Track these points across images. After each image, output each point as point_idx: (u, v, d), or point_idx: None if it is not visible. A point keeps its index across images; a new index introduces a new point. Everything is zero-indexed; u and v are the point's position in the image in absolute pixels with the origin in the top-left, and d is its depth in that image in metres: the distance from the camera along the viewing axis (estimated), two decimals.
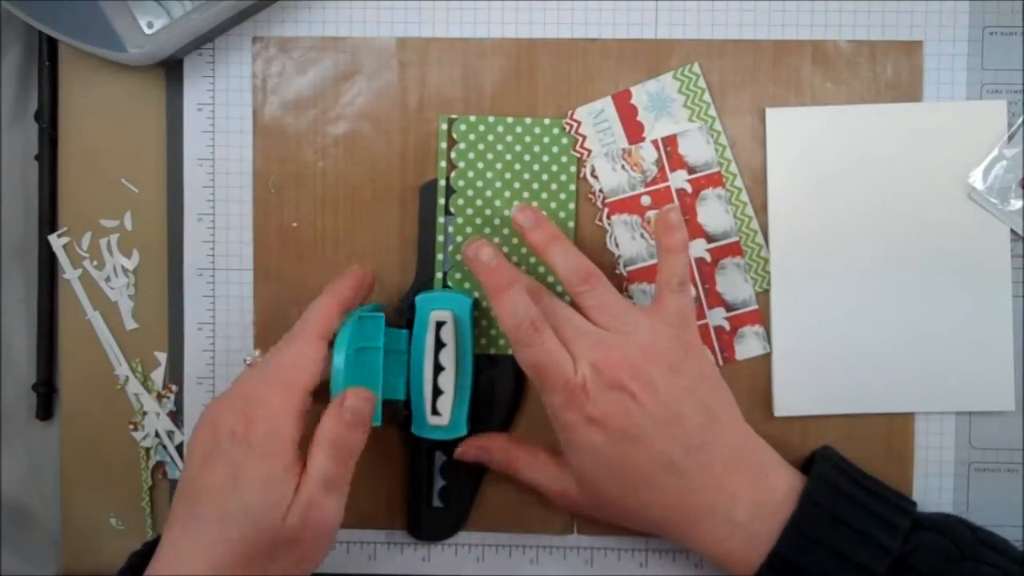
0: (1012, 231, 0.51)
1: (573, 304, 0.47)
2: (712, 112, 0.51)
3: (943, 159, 0.51)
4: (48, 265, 0.54)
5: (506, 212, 0.51)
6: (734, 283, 0.52)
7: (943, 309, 0.51)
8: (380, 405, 0.47)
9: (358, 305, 0.47)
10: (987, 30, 0.51)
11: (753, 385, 0.52)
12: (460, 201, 0.51)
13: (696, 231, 0.52)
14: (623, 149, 0.52)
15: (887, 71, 0.51)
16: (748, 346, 0.52)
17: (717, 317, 0.52)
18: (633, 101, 0.51)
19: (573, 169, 0.51)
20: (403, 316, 0.51)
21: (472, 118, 0.51)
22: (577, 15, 0.52)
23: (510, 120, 0.51)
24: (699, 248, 0.52)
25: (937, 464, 0.52)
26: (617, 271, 0.52)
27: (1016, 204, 0.50)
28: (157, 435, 0.53)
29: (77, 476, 0.54)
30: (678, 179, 0.51)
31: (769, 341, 0.52)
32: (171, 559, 0.41)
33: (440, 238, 0.51)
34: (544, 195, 0.51)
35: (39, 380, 0.54)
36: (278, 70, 0.52)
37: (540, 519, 0.52)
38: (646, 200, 0.52)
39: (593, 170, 0.52)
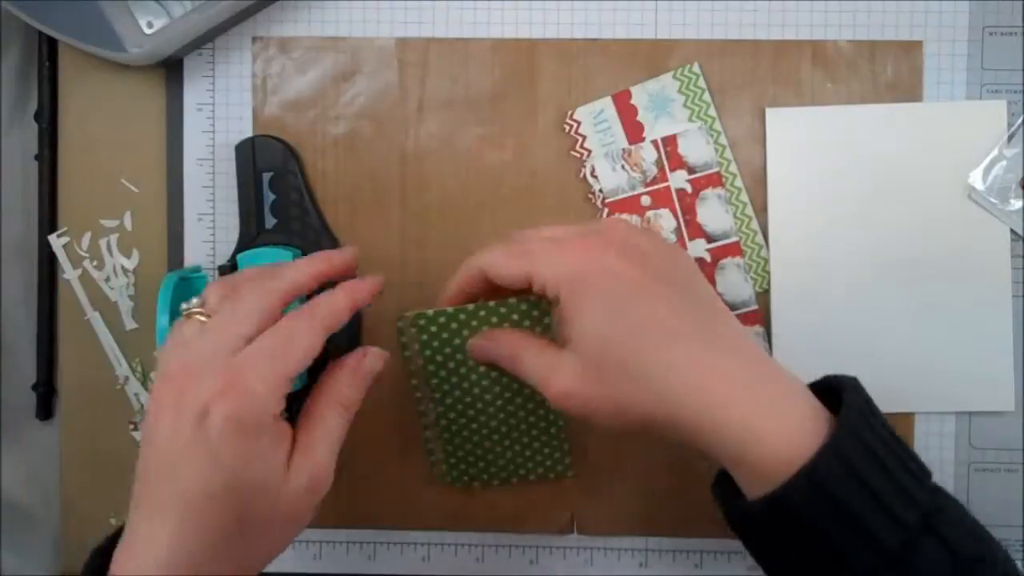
0: (1012, 231, 0.51)
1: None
2: (712, 112, 0.51)
3: (943, 159, 0.51)
4: (48, 265, 0.54)
5: (487, 396, 0.47)
6: (734, 283, 0.52)
7: (943, 309, 0.51)
8: None
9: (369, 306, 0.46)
10: (987, 30, 0.51)
11: None
12: (448, 402, 0.47)
13: (696, 231, 0.52)
14: (623, 149, 0.52)
15: (887, 71, 0.51)
16: None
17: None
18: (633, 101, 0.51)
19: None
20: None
21: (430, 312, 0.44)
22: (577, 15, 0.52)
23: (471, 307, 0.44)
24: (699, 248, 0.52)
25: (937, 464, 0.52)
26: None
27: (1016, 204, 0.50)
28: None
29: (77, 476, 0.54)
30: (678, 179, 0.51)
31: (769, 341, 0.52)
32: (144, 547, 0.38)
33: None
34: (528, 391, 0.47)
35: (39, 380, 0.54)
36: (278, 70, 0.52)
37: (540, 519, 0.52)
38: (646, 200, 0.52)
39: (593, 170, 0.52)
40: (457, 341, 0.45)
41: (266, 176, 0.51)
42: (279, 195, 0.51)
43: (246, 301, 0.40)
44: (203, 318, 0.40)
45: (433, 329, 0.45)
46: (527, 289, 0.41)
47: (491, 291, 0.43)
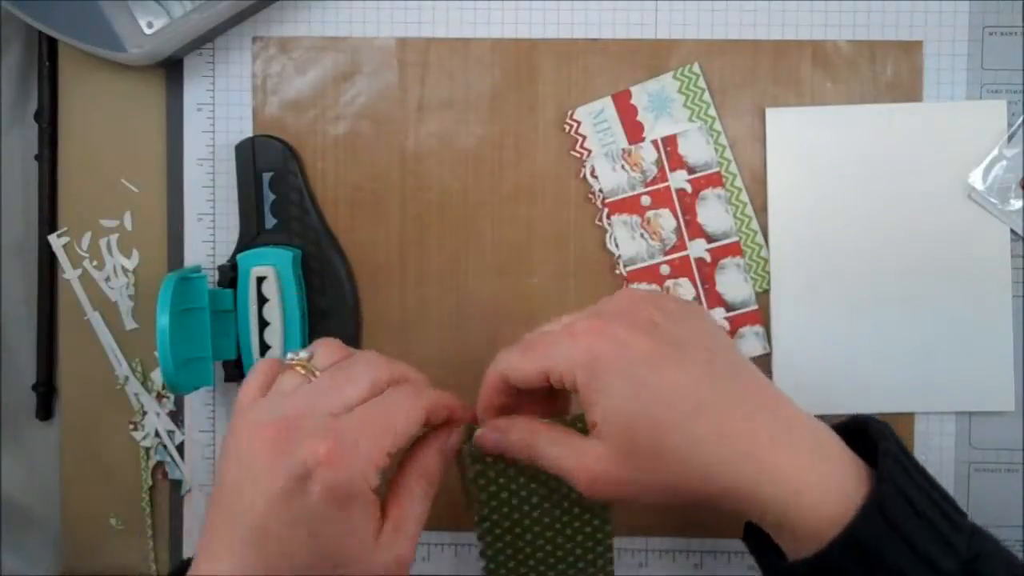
0: (1012, 231, 0.51)
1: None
2: (712, 112, 0.51)
3: (943, 159, 0.51)
4: (48, 265, 0.54)
5: (539, 542, 0.44)
6: (734, 283, 0.52)
7: (943, 309, 0.51)
8: (211, 365, 0.50)
9: (451, 425, 0.43)
10: (987, 30, 0.51)
11: None
12: (497, 546, 0.45)
13: (696, 231, 0.52)
14: (623, 149, 0.52)
15: (887, 71, 0.51)
16: (748, 346, 0.52)
17: (717, 317, 0.52)
18: (633, 101, 0.51)
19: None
20: (227, 276, 0.51)
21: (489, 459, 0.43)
22: (577, 15, 0.52)
23: (533, 485, 0.43)
24: (699, 248, 0.52)
25: (937, 464, 0.52)
26: (617, 271, 0.52)
27: (1016, 204, 0.50)
28: (157, 435, 0.53)
29: (77, 476, 0.54)
30: (678, 179, 0.51)
31: (769, 341, 0.52)
32: None
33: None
34: (576, 509, 0.44)
35: (39, 380, 0.54)
36: (278, 70, 0.52)
37: None
38: (646, 200, 0.52)
39: (593, 170, 0.52)
40: (511, 476, 0.43)
41: (266, 176, 0.51)
42: (279, 195, 0.51)
43: (357, 366, 0.39)
44: (303, 370, 0.40)
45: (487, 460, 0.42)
46: (554, 389, 0.40)
47: (518, 397, 0.41)
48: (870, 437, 0.38)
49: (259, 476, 0.36)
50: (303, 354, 0.40)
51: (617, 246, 0.52)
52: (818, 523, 0.35)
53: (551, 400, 0.42)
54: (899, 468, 0.36)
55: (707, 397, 0.36)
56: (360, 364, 0.40)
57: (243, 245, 0.51)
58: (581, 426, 0.39)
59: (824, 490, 0.35)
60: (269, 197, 0.51)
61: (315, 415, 0.37)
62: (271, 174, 0.51)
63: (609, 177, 0.52)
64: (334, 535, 0.37)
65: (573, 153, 0.52)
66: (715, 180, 0.51)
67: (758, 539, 0.39)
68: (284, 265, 0.50)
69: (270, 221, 0.51)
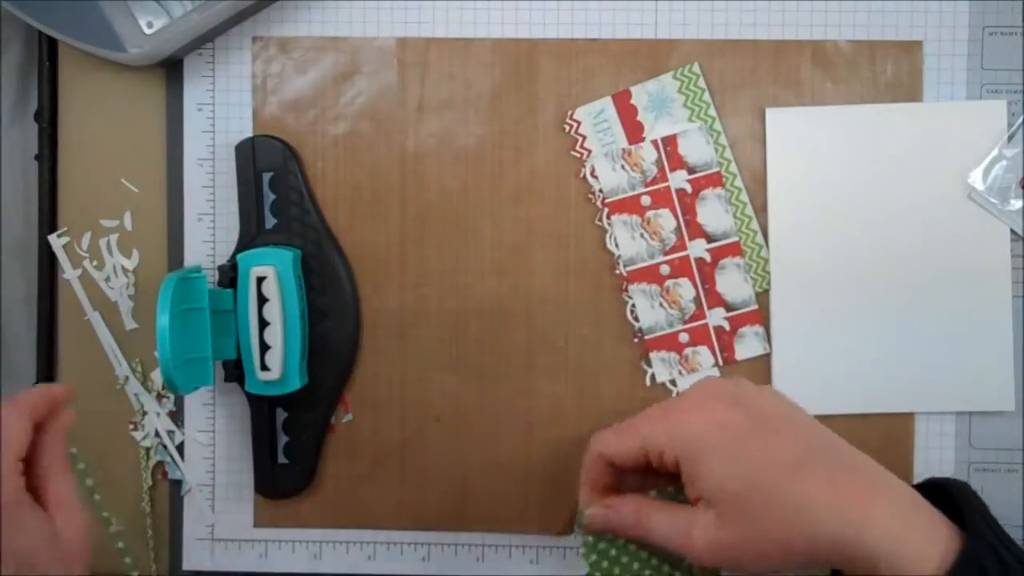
0: (1012, 231, 0.51)
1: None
2: (712, 112, 0.51)
3: (943, 159, 0.51)
4: (48, 265, 0.54)
5: None
6: (734, 283, 0.52)
7: (943, 309, 0.51)
8: (211, 365, 0.50)
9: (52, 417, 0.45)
10: (987, 30, 0.51)
11: None
12: None
13: (696, 231, 0.52)
14: (623, 149, 0.52)
15: (887, 71, 0.51)
16: (748, 346, 0.52)
17: (717, 317, 0.52)
18: (633, 101, 0.51)
19: None
20: (227, 276, 0.51)
21: (603, 544, 0.45)
22: (577, 15, 0.52)
23: (644, 555, 0.44)
24: (699, 248, 0.52)
25: (937, 464, 0.52)
26: (617, 271, 0.52)
27: (1016, 204, 0.50)
28: (157, 435, 0.53)
29: (77, 476, 0.54)
30: (678, 179, 0.51)
31: (769, 341, 0.52)
32: None
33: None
34: None
35: (39, 380, 0.54)
36: (278, 70, 0.52)
37: (540, 519, 0.52)
38: (646, 200, 0.52)
39: (593, 170, 0.52)
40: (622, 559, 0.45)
41: (266, 176, 0.51)
42: (279, 195, 0.51)
43: None
44: None
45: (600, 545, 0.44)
46: (650, 467, 0.42)
47: (622, 475, 0.44)
48: (947, 494, 0.40)
49: None
50: None
51: (617, 246, 0.52)
52: (922, 572, 0.37)
53: (653, 476, 0.44)
54: (987, 525, 0.38)
55: (806, 459, 0.39)
56: None
57: (243, 245, 0.51)
58: (683, 498, 0.42)
59: (925, 541, 0.37)
60: (269, 197, 0.51)
61: None
62: (271, 174, 0.51)
63: (609, 177, 0.52)
64: (21, 544, 0.40)
65: (573, 153, 0.52)
66: (715, 180, 0.51)
67: None
68: (284, 265, 0.50)
69: (270, 221, 0.51)
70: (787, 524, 0.38)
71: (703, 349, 0.52)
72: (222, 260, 0.52)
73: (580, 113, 0.52)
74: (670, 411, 0.42)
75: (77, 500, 0.43)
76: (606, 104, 0.52)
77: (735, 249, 0.51)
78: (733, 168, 0.51)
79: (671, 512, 0.42)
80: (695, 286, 0.52)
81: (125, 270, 0.53)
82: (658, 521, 0.42)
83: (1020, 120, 0.51)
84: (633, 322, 0.52)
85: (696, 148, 0.51)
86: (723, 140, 0.51)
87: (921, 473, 0.52)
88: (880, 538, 0.37)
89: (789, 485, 0.39)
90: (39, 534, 0.41)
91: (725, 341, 0.52)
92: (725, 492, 0.39)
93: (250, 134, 0.52)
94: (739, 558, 0.40)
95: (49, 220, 0.53)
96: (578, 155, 0.52)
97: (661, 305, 0.52)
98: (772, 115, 0.51)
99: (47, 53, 0.53)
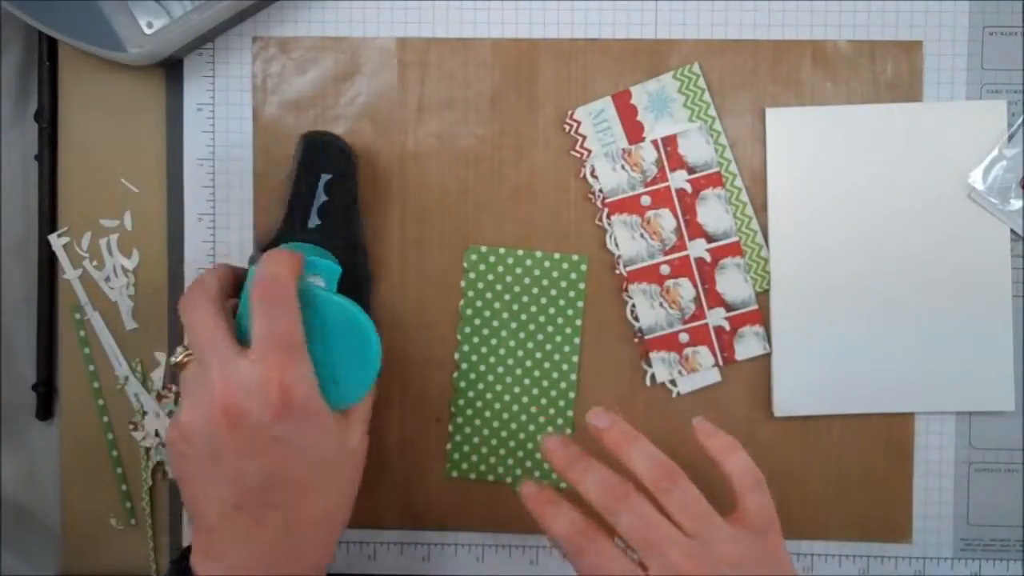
0: (1012, 231, 0.51)
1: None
2: (712, 112, 0.51)
3: (943, 159, 0.51)
4: (48, 265, 0.54)
5: (511, 343, 0.52)
6: (734, 283, 0.52)
7: (943, 309, 0.51)
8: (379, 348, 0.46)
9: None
10: (987, 30, 0.51)
11: (753, 385, 0.52)
12: (467, 329, 0.52)
13: (696, 231, 0.52)
14: (623, 149, 0.52)
15: (887, 71, 0.51)
16: (748, 346, 0.52)
17: (717, 317, 0.52)
18: (633, 101, 0.51)
19: (580, 304, 0.52)
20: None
21: (483, 248, 0.52)
22: (577, 15, 0.52)
23: (520, 252, 0.51)
24: (699, 248, 0.52)
25: (937, 464, 0.52)
26: (617, 271, 0.52)
27: (1016, 204, 0.50)
28: (157, 435, 0.53)
29: (77, 476, 0.54)
30: (678, 179, 0.51)
31: (769, 341, 0.52)
32: None
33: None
34: (550, 328, 0.52)
35: (39, 380, 0.54)
36: (278, 70, 0.52)
37: None
38: (646, 200, 0.52)
39: (593, 170, 0.52)
40: (495, 279, 0.51)
41: (324, 177, 0.50)
42: (332, 199, 0.50)
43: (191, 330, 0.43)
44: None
45: (482, 267, 0.50)
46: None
47: None
48: None
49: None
50: (179, 350, 0.44)
51: (617, 246, 0.52)
52: None
53: None
54: None
55: None
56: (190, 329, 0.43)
57: (278, 238, 0.49)
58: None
59: None
60: (321, 198, 0.50)
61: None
62: (329, 176, 0.50)
63: (609, 177, 0.52)
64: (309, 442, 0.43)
65: (573, 153, 0.52)
66: (715, 180, 0.51)
67: None
68: (331, 280, 0.47)
69: (314, 221, 0.50)
70: None
71: (703, 349, 0.52)
72: (222, 260, 0.52)
73: (580, 113, 0.52)
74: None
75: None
76: (606, 104, 0.52)
77: (735, 249, 0.52)
78: (733, 168, 0.51)
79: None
80: (695, 286, 0.52)
81: (125, 270, 0.53)
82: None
83: (1020, 120, 0.51)
84: (633, 322, 0.52)
85: (696, 148, 0.51)
86: (723, 140, 0.51)
87: (921, 473, 0.52)
88: None
89: None
90: (331, 432, 0.43)
91: (725, 341, 0.52)
92: None
93: (250, 134, 0.52)
94: None
95: (49, 220, 0.53)
96: (578, 155, 0.52)
97: (661, 305, 0.52)
98: (772, 115, 0.51)
99: (47, 53, 0.53)
